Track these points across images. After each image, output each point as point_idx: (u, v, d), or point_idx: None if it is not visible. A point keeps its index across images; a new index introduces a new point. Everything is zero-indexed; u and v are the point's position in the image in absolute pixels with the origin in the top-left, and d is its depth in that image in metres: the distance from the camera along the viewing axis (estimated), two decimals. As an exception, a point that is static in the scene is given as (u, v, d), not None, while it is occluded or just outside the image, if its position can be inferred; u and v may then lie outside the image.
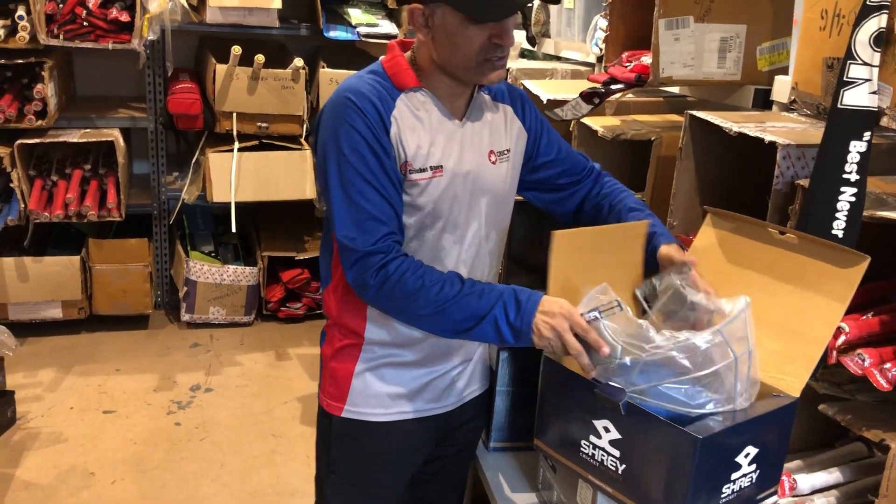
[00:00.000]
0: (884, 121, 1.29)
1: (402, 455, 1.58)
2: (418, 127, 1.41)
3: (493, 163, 1.50)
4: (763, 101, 2.14)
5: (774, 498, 1.55)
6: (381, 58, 1.47)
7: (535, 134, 1.60)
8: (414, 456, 1.60)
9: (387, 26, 3.76)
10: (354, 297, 1.44)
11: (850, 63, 1.28)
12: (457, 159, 1.44)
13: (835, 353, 1.45)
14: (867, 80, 1.27)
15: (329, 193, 1.39)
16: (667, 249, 1.47)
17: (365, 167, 1.34)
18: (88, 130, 3.63)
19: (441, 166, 1.42)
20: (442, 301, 1.31)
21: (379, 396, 1.52)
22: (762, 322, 1.35)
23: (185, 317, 3.90)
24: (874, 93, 1.27)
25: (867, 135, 1.30)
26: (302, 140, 3.82)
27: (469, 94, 1.48)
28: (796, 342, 1.31)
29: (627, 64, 2.21)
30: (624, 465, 1.28)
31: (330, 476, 1.59)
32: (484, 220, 1.50)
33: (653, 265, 1.52)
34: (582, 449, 1.35)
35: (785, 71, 2.03)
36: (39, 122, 3.41)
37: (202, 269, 3.81)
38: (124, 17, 3.35)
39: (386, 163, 1.36)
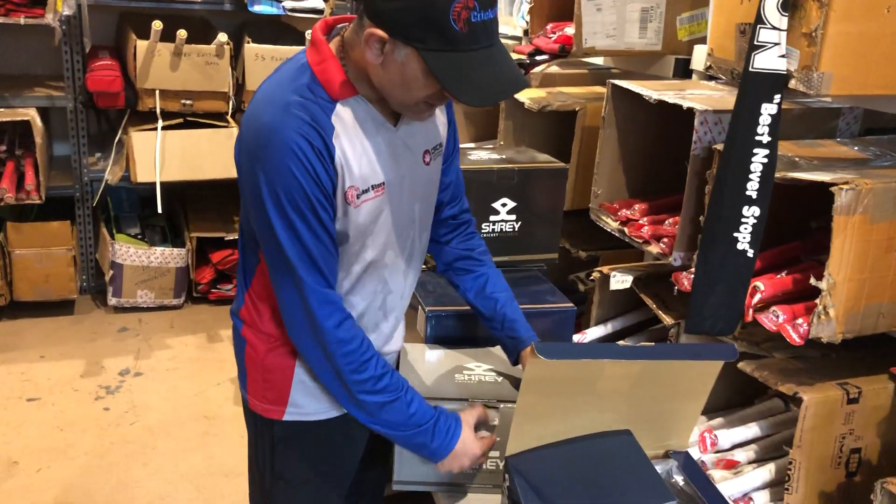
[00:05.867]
0: (792, 83, 1.33)
1: (348, 444, 1.54)
2: (357, 142, 1.31)
3: (427, 163, 1.44)
4: (683, 71, 2.18)
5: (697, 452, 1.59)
6: (307, 54, 1.31)
7: (450, 137, 1.53)
8: (360, 440, 1.56)
9: (313, 1, 3.70)
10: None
11: (760, 27, 1.31)
12: (395, 170, 1.36)
13: (751, 311, 1.51)
14: (776, 44, 1.30)
15: (269, 230, 1.29)
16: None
17: (308, 221, 1.27)
18: (3, 110, 3.47)
19: (382, 183, 1.34)
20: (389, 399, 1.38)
21: (318, 393, 1.47)
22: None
23: (112, 301, 3.79)
24: (783, 56, 1.31)
25: (777, 97, 1.34)
26: (228, 117, 3.74)
27: None
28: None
29: (552, 35, 2.23)
30: None
31: (278, 483, 1.52)
32: (418, 224, 1.47)
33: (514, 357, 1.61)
34: None
35: (704, 41, 2.06)
36: (-51, 102, 3.26)
37: (128, 252, 3.71)
38: (37, -9, 3.23)
39: (328, 213, 1.30)
